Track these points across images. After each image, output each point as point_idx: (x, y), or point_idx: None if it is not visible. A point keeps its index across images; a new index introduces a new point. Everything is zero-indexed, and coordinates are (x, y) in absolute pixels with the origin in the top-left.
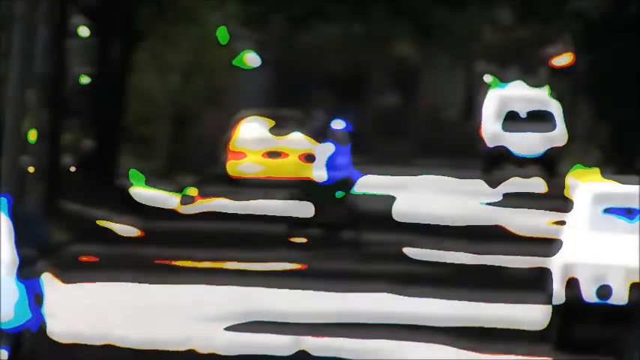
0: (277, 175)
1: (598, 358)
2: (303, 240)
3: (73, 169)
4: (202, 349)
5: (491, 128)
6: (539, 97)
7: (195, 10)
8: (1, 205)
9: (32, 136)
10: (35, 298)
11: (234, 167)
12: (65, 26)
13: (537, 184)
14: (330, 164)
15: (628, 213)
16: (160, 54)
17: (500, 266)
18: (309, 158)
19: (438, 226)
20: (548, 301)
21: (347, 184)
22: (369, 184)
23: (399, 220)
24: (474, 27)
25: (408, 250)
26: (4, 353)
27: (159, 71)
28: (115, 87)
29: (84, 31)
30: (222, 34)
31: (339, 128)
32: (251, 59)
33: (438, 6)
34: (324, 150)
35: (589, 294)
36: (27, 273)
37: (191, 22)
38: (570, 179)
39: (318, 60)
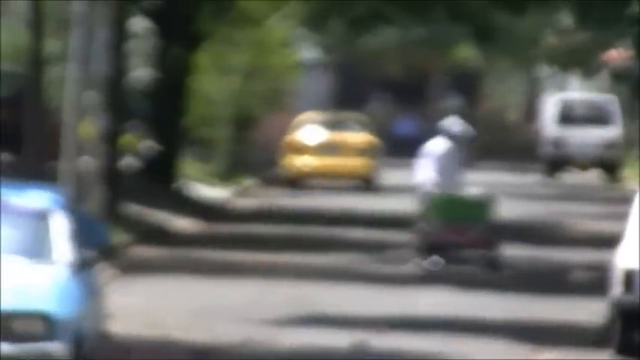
0: (339, 176)
1: None
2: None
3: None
4: (262, 351)
5: (552, 131)
6: (600, 101)
7: (256, 11)
8: (63, 206)
9: (91, 137)
10: (95, 299)
11: (295, 168)
12: (125, 28)
13: (599, 188)
14: (442, 169)
15: None
16: (221, 56)
17: (562, 269)
18: (367, 155)
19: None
20: (610, 306)
21: (486, 201)
22: None
23: None
24: (534, 30)
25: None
26: (63, 349)
27: (220, 73)
28: (175, 89)
29: (145, 33)
30: (283, 36)
31: (458, 129)
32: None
33: (498, 9)
34: (435, 152)
35: None
36: (87, 274)
37: (252, 23)
38: (632, 183)
39: (380, 62)
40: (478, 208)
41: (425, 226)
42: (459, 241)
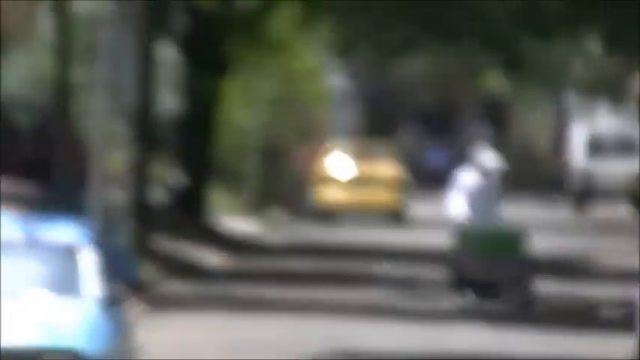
0: (369, 207)
1: None
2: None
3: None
4: None
5: (580, 163)
6: (629, 131)
7: (285, 40)
8: (91, 240)
9: (120, 169)
10: (125, 335)
11: (324, 201)
12: (152, 56)
13: (628, 219)
14: (474, 203)
15: None
16: (249, 85)
17: (592, 305)
18: (396, 188)
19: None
20: (638, 342)
21: (520, 236)
22: None
23: None
24: (562, 58)
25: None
26: None
27: (249, 103)
28: (204, 119)
29: (173, 61)
30: (313, 65)
31: (492, 165)
32: None
33: (523, 34)
34: (467, 184)
35: None
36: (117, 310)
37: (282, 52)
38: None
39: (410, 92)
40: (512, 242)
41: (458, 260)
42: (493, 277)
